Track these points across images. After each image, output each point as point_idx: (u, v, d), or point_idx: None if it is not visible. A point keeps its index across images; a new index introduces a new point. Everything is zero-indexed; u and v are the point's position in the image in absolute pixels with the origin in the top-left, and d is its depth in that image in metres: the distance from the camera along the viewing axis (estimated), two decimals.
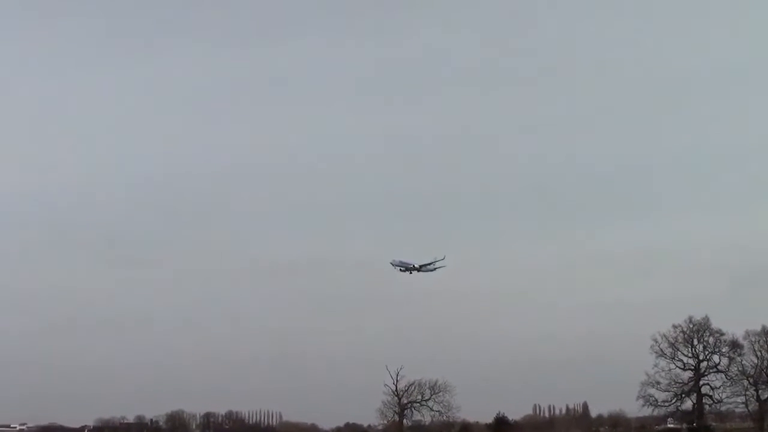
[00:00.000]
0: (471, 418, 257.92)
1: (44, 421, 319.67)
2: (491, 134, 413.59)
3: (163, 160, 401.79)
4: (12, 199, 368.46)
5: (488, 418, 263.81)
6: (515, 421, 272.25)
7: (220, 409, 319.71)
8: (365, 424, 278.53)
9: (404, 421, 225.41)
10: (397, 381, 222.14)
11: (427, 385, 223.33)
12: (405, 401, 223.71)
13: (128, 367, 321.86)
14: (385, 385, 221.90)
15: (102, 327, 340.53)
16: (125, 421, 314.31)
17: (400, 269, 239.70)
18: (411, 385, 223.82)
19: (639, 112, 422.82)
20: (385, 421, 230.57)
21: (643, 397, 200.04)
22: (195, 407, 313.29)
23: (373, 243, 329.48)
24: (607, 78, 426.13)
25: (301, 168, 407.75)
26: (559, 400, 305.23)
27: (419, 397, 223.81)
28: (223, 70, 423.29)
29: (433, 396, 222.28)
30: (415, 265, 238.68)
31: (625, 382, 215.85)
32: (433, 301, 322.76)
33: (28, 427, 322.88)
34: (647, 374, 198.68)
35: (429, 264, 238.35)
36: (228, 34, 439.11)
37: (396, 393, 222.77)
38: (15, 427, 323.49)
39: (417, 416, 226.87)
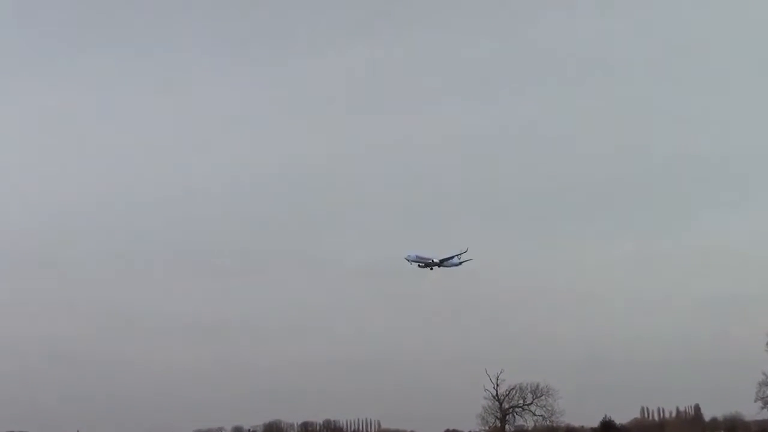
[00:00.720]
0: (576, 423, 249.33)
1: (143, 431, 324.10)
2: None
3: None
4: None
5: (594, 422, 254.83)
6: (622, 425, 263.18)
7: (318, 417, 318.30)
8: (466, 431, 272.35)
9: (506, 426, 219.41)
10: (497, 385, 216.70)
11: (529, 389, 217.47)
12: (506, 406, 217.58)
13: (226, 375, 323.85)
14: (485, 389, 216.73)
15: (200, 335, 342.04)
16: (223, 431, 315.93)
17: (419, 265, 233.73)
18: (512, 389, 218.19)
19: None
20: (487, 427, 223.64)
21: (762, 398, 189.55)
22: (292, 416, 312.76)
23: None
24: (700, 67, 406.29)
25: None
26: (668, 402, 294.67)
27: (521, 401, 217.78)
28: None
29: (536, 400, 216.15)
30: (434, 260, 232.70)
31: (741, 382, 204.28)
32: (526, 302, 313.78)
33: None
34: (765, 374, 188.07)
35: (450, 258, 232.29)
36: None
37: (497, 397, 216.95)
38: None
39: (519, 421, 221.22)
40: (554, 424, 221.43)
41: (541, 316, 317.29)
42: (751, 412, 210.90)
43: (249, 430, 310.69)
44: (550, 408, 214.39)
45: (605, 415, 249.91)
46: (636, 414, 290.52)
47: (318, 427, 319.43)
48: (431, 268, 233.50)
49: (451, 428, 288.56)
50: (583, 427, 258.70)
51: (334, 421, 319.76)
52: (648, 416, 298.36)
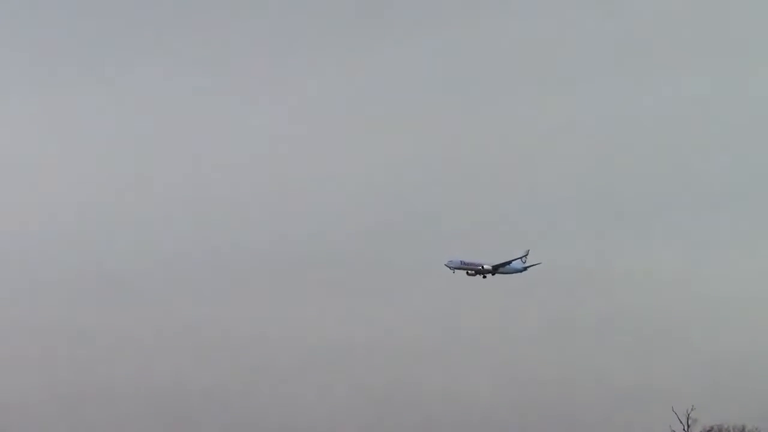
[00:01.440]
0: None
1: None
2: None
3: None
4: None
5: None
6: None
7: None
8: None
9: None
10: (688, 426, 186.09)
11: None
12: None
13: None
14: (673, 431, 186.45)
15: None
16: None
17: (467, 272, 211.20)
18: (708, 431, 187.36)
19: None
20: None
21: None
22: None
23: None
24: None
25: None
26: None
27: None
28: None
29: None
30: (485, 266, 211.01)
31: None
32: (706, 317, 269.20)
33: None
34: None
35: (508, 263, 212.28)
36: None
37: None
38: None
39: None
40: None
41: (728, 334, 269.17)
42: None
43: None
44: None
45: None
46: None
47: None
48: (483, 276, 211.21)
49: None
50: None
51: None
52: None
